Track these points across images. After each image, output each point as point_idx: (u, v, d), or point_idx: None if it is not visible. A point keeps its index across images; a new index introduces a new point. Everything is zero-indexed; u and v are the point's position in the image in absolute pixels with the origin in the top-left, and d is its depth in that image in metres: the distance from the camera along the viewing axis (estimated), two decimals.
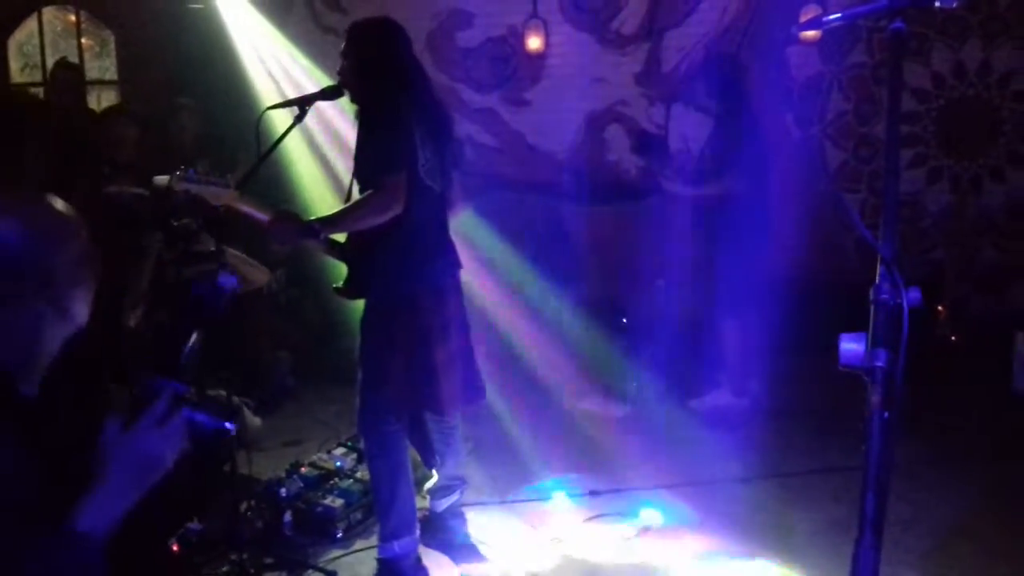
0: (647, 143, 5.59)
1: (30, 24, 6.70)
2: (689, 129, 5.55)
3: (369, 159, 2.95)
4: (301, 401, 4.96)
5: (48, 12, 6.77)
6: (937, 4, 1.46)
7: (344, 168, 4.85)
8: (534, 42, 6.03)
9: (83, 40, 6.87)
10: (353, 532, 3.51)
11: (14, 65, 6.81)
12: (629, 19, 6.04)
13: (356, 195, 3.02)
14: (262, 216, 2.92)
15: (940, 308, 5.44)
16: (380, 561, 3.14)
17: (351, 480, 3.69)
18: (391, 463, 3.07)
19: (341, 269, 3.09)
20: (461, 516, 3.40)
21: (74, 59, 6.37)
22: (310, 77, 5.61)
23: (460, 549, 3.34)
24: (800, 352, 4.28)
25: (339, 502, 3.52)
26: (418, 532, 3.19)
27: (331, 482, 3.68)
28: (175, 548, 3.10)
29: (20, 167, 4.28)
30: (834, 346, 1.39)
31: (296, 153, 5.36)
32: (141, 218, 3.77)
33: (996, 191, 5.82)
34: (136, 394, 1.43)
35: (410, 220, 2.92)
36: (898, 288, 1.36)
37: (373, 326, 3.05)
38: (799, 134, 5.94)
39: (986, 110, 5.76)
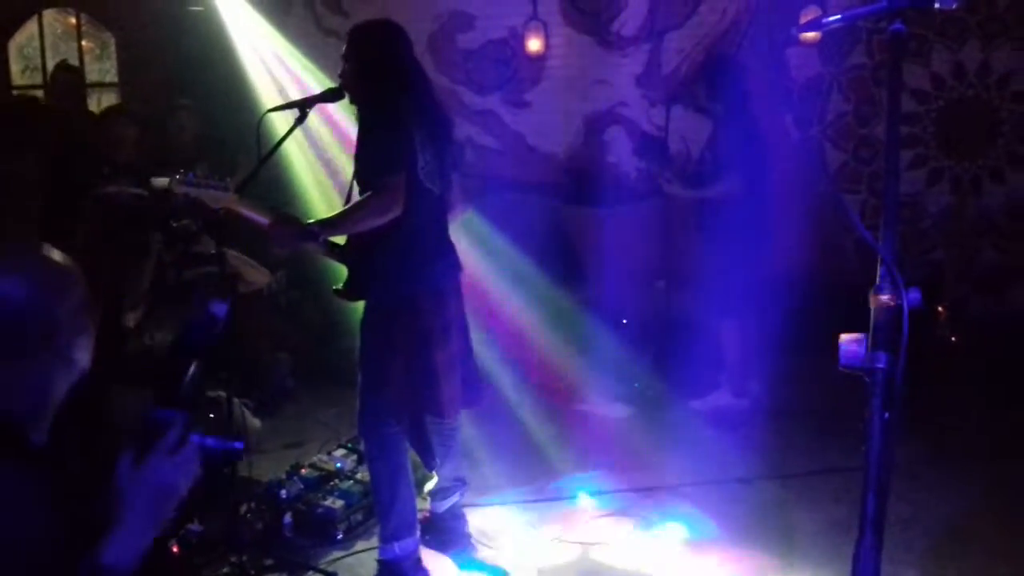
0: (647, 145, 5.59)
1: (31, 27, 6.72)
2: (689, 131, 5.55)
3: (368, 161, 2.96)
4: (301, 403, 4.96)
5: (49, 15, 6.79)
6: (936, 5, 1.46)
7: (345, 170, 4.85)
8: (534, 44, 6.04)
9: (83, 43, 6.89)
10: (353, 533, 3.51)
11: (15, 68, 6.82)
12: (629, 21, 6.05)
13: (356, 197, 3.03)
14: (262, 219, 2.93)
15: (940, 309, 5.43)
16: (381, 562, 3.14)
17: (351, 481, 3.69)
18: (391, 465, 3.07)
19: (341, 271, 3.10)
20: (462, 517, 3.41)
21: (75, 61, 6.39)
22: (310, 80, 5.61)
23: (461, 550, 3.34)
24: (800, 353, 4.29)
25: (339, 503, 3.52)
26: (419, 533, 3.20)
27: (331, 483, 3.68)
28: (175, 549, 3.11)
29: (20, 173, 4.29)
30: (834, 347, 1.40)
31: (296, 156, 5.37)
32: (140, 218, 3.78)
33: (996, 192, 5.82)
34: (143, 427, 1.45)
35: (410, 222, 2.92)
36: (898, 289, 1.36)
37: (373, 328, 3.05)
38: (799, 135, 5.94)
39: (985, 111, 5.77)
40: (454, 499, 3.37)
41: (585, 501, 3.75)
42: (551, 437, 4.30)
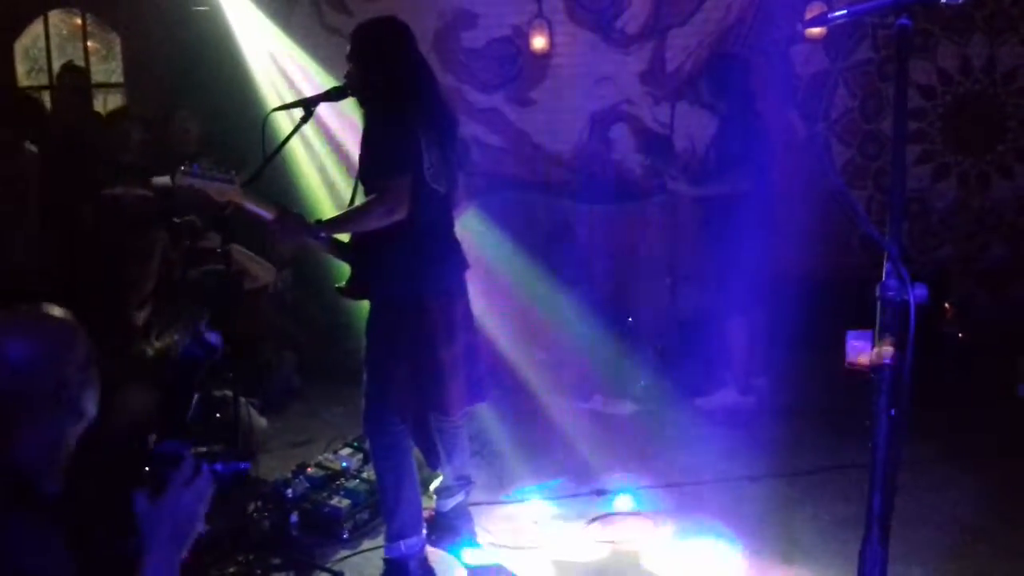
0: (652, 142, 5.58)
1: (36, 28, 6.73)
2: (694, 128, 5.54)
3: (373, 163, 2.95)
4: (307, 401, 4.96)
5: (54, 16, 6.80)
6: (943, 0, 1.45)
7: (349, 170, 4.85)
8: (539, 42, 6.03)
9: (89, 43, 6.90)
10: (359, 532, 3.51)
11: (20, 68, 6.83)
12: (633, 18, 6.04)
13: (361, 197, 3.03)
14: (266, 213, 2.92)
15: (947, 305, 5.41)
16: (387, 561, 3.14)
17: (357, 480, 3.69)
18: (396, 464, 3.07)
19: (346, 269, 3.10)
20: (467, 516, 3.40)
21: (80, 62, 6.39)
22: (315, 78, 5.61)
23: (466, 549, 3.34)
24: (806, 350, 4.28)
25: (345, 502, 3.52)
26: (424, 532, 3.20)
27: (337, 482, 3.68)
28: None
29: (20, 173, 4.30)
30: (840, 344, 1.39)
31: (301, 155, 5.37)
32: (146, 219, 3.79)
33: (1003, 187, 5.80)
34: (152, 462, 1.51)
35: (417, 223, 2.91)
36: (905, 285, 1.36)
37: (378, 327, 3.05)
38: (804, 131, 5.92)
39: (992, 106, 5.74)
40: (459, 498, 3.36)
41: (585, 501, 3.74)
42: (553, 437, 4.29)
